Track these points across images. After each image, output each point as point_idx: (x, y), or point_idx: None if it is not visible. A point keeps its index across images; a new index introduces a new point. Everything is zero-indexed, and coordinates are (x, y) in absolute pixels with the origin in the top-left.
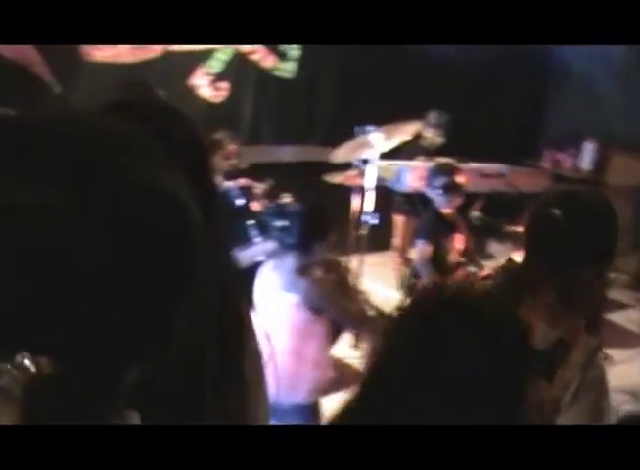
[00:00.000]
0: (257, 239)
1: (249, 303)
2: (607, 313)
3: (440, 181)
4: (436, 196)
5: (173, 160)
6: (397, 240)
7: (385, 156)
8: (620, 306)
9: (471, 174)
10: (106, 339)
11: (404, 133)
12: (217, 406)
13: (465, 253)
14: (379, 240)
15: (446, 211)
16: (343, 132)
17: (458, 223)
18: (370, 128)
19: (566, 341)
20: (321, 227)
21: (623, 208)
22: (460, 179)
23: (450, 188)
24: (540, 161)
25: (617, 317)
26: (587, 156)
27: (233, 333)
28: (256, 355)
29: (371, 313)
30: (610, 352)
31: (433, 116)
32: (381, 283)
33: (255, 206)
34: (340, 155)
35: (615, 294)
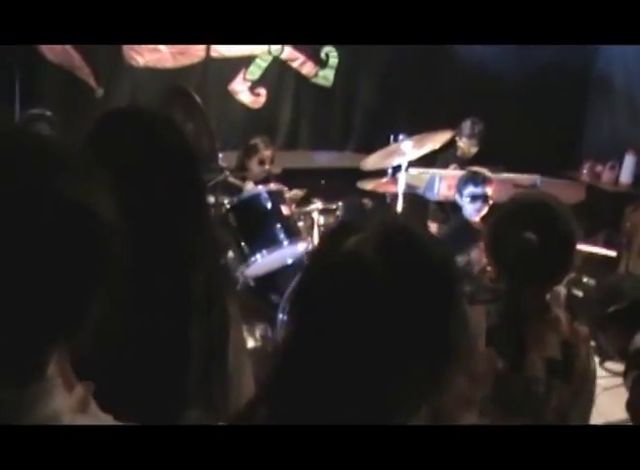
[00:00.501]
0: (285, 242)
1: (234, 295)
2: None
3: (469, 190)
4: (466, 204)
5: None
6: None
7: (418, 164)
8: None
9: (503, 184)
10: (29, 317)
11: (434, 142)
12: (202, 391)
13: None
14: None
15: (474, 219)
16: (379, 140)
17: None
18: (401, 136)
19: (571, 343)
20: None
21: None
22: (489, 189)
23: (478, 197)
24: (580, 172)
25: None
26: (627, 169)
27: (218, 323)
28: (241, 345)
29: None
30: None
31: (467, 125)
32: None
33: (285, 210)
34: (370, 162)
35: None
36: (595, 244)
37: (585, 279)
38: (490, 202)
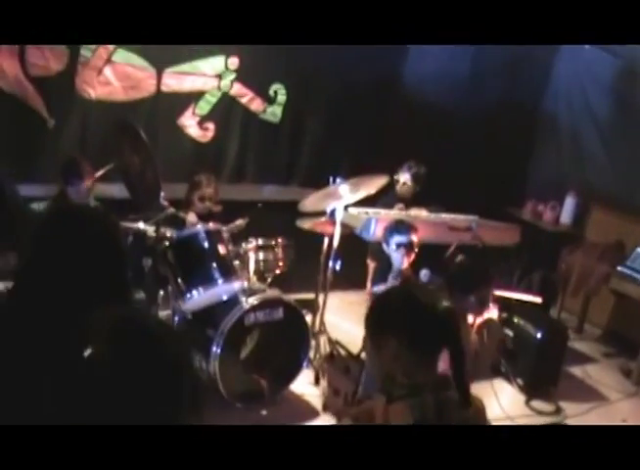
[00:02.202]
0: (220, 281)
1: None
2: (568, 365)
3: (395, 239)
4: (392, 252)
5: None
6: (369, 283)
7: (359, 204)
8: (584, 360)
9: (438, 227)
10: None
11: (369, 187)
12: None
13: None
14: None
15: (403, 267)
16: (324, 176)
17: (412, 278)
18: (338, 180)
19: None
20: None
21: (594, 267)
22: (414, 237)
23: (404, 245)
24: (523, 211)
25: (577, 370)
26: (568, 210)
27: None
28: None
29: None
30: (564, 405)
31: (405, 167)
32: (350, 319)
33: (222, 249)
34: (308, 204)
35: (583, 346)
36: (531, 284)
37: (516, 320)
38: (415, 249)
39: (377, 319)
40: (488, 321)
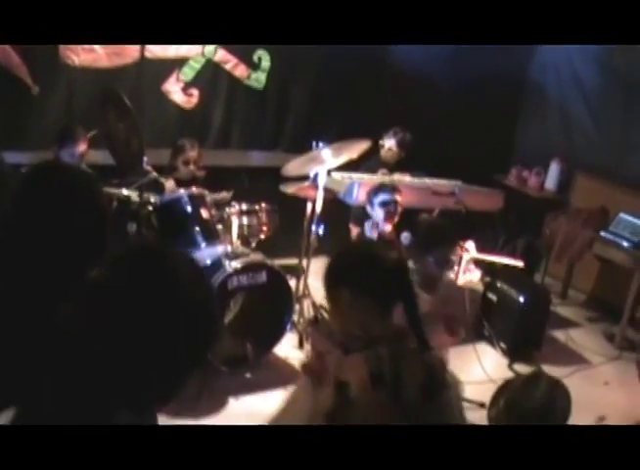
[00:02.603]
0: (203, 244)
1: None
2: (552, 329)
3: (379, 198)
4: (376, 210)
5: None
6: None
7: (343, 168)
8: (568, 324)
9: (422, 192)
10: None
11: (351, 151)
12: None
13: None
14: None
15: (386, 228)
16: (309, 142)
17: (394, 241)
18: (320, 144)
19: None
20: None
21: (578, 232)
22: (398, 196)
23: (388, 203)
24: (508, 178)
25: (560, 334)
26: (552, 176)
27: None
28: None
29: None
30: (546, 368)
31: (390, 133)
32: None
33: (205, 214)
34: (291, 168)
35: (566, 311)
36: (516, 249)
37: (499, 284)
38: (399, 209)
39: (332, 273)
40: (469, 284)
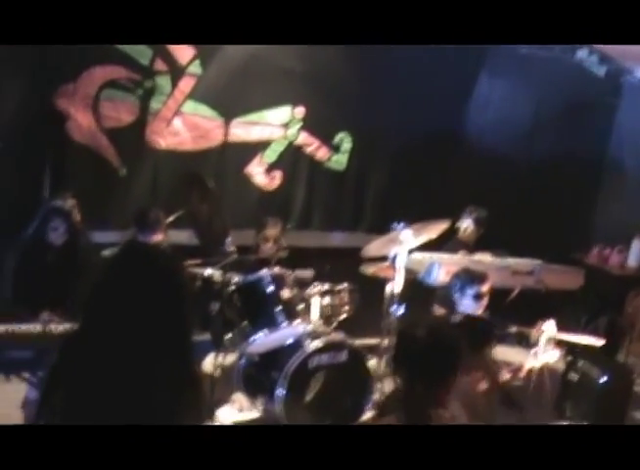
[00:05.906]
0: (284, 324)
1: None
2: (634, 410)
3: (469, 291)
4: (466, 301)
5: None
6: None
7: (423, 249)
8: None
9: (501, 271)
10: None
11: (431, 232)
12: None
13: None
14: None
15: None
16: (389, 222)
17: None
18: (401, 225)
19: None
20: None
21: None
22: (486, 287)
23: (479, 297)
24: (588, 256)
25: None
26: (635, 253)
27: None
28: None
29: None
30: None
31: (467, 212)
32: None
33: (285, 293)
34: (371, 250)
35: None
36: (598, 328)
37: (581, 363)
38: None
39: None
40: (547, 364)
